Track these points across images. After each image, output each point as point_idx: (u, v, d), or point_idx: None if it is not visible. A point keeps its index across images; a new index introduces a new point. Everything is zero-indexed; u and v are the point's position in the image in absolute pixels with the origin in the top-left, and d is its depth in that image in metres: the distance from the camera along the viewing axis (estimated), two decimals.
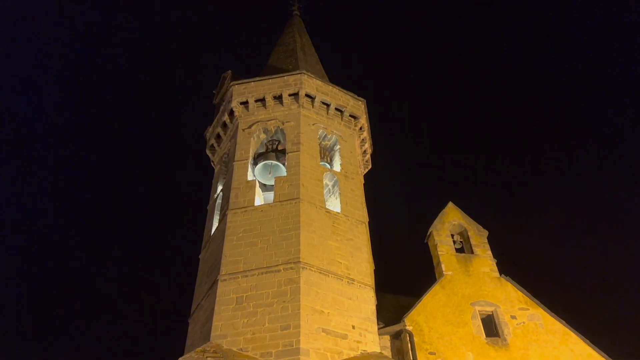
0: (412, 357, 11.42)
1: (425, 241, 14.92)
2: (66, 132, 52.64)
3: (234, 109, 16.36)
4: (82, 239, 48.74)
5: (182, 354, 11.23)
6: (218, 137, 17.44)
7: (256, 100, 16.40)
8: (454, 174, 52.17)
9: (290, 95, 16.28)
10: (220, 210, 14.80)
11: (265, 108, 16.29)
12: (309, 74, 16.84)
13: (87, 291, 47.11)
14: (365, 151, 18.18)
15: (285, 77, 16.64)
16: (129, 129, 55.97)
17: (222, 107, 17.27)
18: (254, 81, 16.77)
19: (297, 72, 16.74)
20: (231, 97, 16.55)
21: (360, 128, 17.44)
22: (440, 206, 15.74)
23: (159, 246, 51.57)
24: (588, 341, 12.42)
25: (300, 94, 16.16)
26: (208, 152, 17.99)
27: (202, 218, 16.23)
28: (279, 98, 16.34)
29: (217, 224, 14.57)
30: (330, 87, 17.09)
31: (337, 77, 19.88)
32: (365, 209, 15.03)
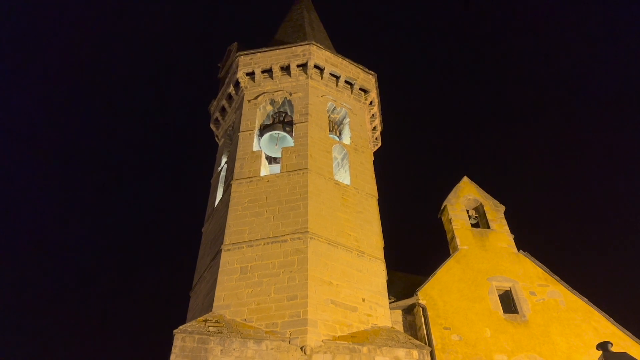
0: (426, 332, 10.77)
1: (438, 216, 14.24)
2: (68, 111, 51.76)
3: (239, 80, 15.74)
4: (84, 214, 48.21)
5: None
6: (223, 110, 16.84)
7: (263, 71, 15.79)
8: (468, 149, 51.15)
9: (298, 66, 15.66)
10: (225, 182, 14.22)
11: (272, 79, 15.67)
12: (318, 45, 16.20)
13: (87, 267, 46.66)
14: (375, 127, 17.51)
15: (293, 48, 16.02)
16: (129, 109, 55.18)
17: (227, 79, 16.65)
18: (260, 52, 16.15)
19: (306, 42, 16.12)
20: (237, 68, 15.94)
21: (371, 102, 16.80)
22: (453, 183, 15.07)
23: (160, 224, 50.91)
24: (612, 320, 11.74)
25: (308, 64, 15.53)
26: (212, 126, 17.38)
27: (205, 195, 15.62)
28: (286, 69, 15.71)
29: (220, 195, 13.96)
30: (340, 59, 16.45)
31: (346, 55, 19.12)
32: (375, 184, 14.38)
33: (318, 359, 9.59)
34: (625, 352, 6.09)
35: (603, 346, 5.74)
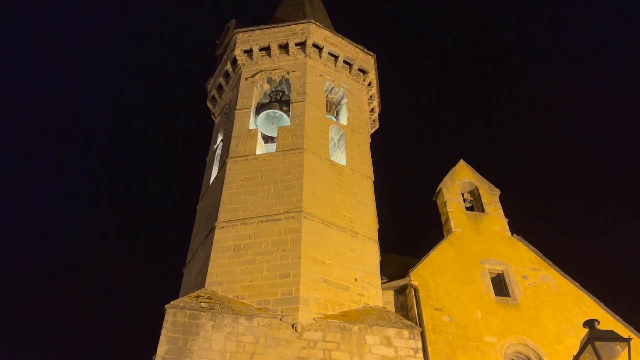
0: (417, 313, 10.82)
1: (433, 199, 14.22)
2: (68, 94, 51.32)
3: (237, 58, 15.58)
4: (79, 193, 48.21)
5: None
6: (219, 88, 16.69)
7: (261, 49, 15.62)
8: (465, 133, 51.01)
9: (296, 44, 15.50)
10: (220, 160, 14.15)
11: (270, 57, 15.51)
12: (318, 23, 16.01)
13: (81, 243, 46.78)
14: (373, 109, 17.41)
15: (292, 26, 15.83)
16: (125, 87, 54.62)
17: (224, 57, 16.48)
18: (259, 29, 15.96)
19: (305, 21, 15.94)
20: (235, 45, 15.76)
21: (369, 83, 16.66)
22: (449, 166, 15.02)
23: (155, 201, 50.92)
24: (602, 304, 11.82)
25: (307, 43, 15.36)
26: (209, 104, 17.25)
27: (201, 172, 15.54)
28: (284, 47, 15.54)
29: (216, 173, 13.92)
30: (339, 38, 16.28)
31: (346, 36, 18.85)
32: (371, 165, 14.33)
33: (309, 336, 9.65)
34: (611, 330, 6.10)
35: (589, 324, 5.76)
